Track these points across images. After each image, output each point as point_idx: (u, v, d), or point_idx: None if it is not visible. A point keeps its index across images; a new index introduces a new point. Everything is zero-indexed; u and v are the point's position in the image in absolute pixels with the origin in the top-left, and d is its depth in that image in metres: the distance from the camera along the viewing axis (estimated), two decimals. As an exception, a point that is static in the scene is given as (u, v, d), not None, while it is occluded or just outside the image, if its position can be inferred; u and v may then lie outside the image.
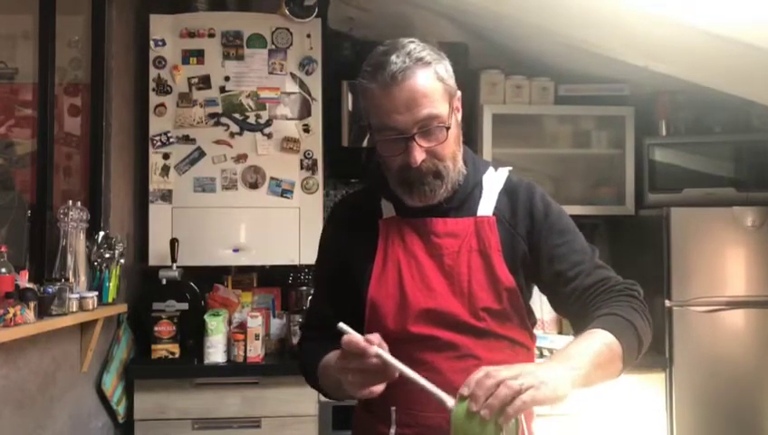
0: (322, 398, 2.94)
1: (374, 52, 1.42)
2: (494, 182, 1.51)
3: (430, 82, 1.36)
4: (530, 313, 1.50)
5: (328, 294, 1.56)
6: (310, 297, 2.82)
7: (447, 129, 1.38)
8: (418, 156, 1.36)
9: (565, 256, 1.44)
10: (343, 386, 1.29)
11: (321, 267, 1.61)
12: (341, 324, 1.24)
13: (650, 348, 3.30)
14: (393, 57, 1.36)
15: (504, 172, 1.53)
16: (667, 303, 3.10)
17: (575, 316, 1.43)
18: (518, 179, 1.53)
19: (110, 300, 2.78)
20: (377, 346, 1.20)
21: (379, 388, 1.23)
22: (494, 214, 1.47)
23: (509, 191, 1.50)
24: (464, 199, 1.47)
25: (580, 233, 1.49)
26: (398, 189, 1.43)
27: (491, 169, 1.53)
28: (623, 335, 1.26)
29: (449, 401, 1.15)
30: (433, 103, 1.36)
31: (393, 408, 1.43)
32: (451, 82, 1.41)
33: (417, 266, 1.45)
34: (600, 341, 1.23)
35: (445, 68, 1.40)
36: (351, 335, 1.21)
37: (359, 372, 1.22)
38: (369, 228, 1.50)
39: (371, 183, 1.57)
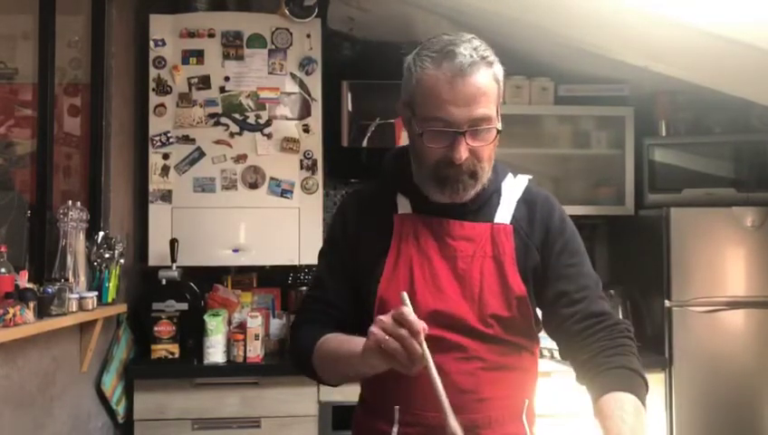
0: (322, 398, 2.95)
1: (437, 39, 1.39)
2: (512, 190, 1.51)
3: (490, 81, 1.36)
4: (536, 319, 1.50)
5: (335, 281, 1.51)
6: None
7: (498, 131, 1.38)
8: (464, 153, 1.35)
9: (573, 278, 1.45)
10: (361, 349, 1.25)
11: (331, 254, 1.55)
12: (404, 294, 1.23)
13: (650, 349, 3.30)
14: (462, 49, 1.34)
15: (523, 180, 1.53)
16: (667, 303, 3.10)
17: (569, 338, 1.42)
18: (537, 190, 1.53)
19: (109, 300, 2.78)
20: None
21: (384, 367, 1.22)
22: (511, 223, 1.47)
23: (527, 201, 1.50)
24: (482, 204, 1.47)
25: (588, 257, 1.51)
26: (429, 183, 1.42)
27: (510, 175, 1.53)
28: (644, 397, 1.32)
29: (453, 422, 1.18)
30: (488, 104, 1.36)
31: (396, 407, 1.42)
32: (502, 85, 1.41)
33: (429, 267, 1.43)
34: (642, 418, 1.28)
35: (500, 71, 1.40)
36: (411, 313, 1.19)
37: (397, 341, 1.18)
38: (382, 222, 1.48)
39: (387, 177, 1.54)
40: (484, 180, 1.43)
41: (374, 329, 1.21)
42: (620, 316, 3.12)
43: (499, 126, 1.39)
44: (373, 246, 1.47)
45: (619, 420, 1.24)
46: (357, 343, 1.30)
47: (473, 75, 1.33)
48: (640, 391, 1.31)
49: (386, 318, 1.20)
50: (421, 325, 1.18)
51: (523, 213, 1.48)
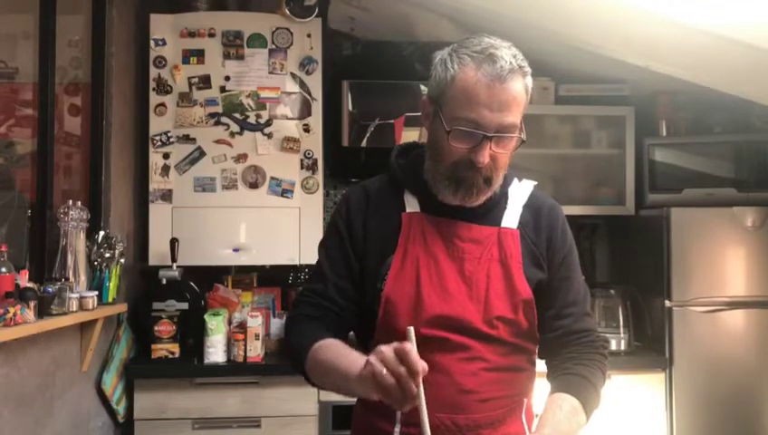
0: (322, 397, 2.95)
1: (476, 39, 1.39)
2: (518, 195, 1.52)
3: (522, 91, 1.37)
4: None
5: (336, 274, 1.49)
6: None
7: (522, 141, 1.39)
8: (487, 157, 1.36)
9: (564, 293, 1.50)
10: (357, 372, 1.23)
11: (332, 247, 1.52)
12: (411, 329, 1.19)
13: (650, 348, 3.31)
14: (503, 53, 1.35)
15: (528, 186, 1.54)
16: (667, 303, 3.10)
17: (547, 344, 1.51)
18: (543, 198, 1.55)
19: (110, 300, 2.78)
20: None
21: (377, 397, 1.20)
22: (517, 228, 1.48)
23: (533, 208, 1.51)
24: (489, 208, 1.47)
25: (580, 269, 1.56)
26: (444, 182, 1.41)
27: (515, 180, 1.54)
28: (592, 406, 1.43)
29: None
30: (517, 113, 1.37)
31: None
32: (529, 96, 1.41)
33: (435, 268, 1.43)
34: (578, 422, 1.39)
35: (530, 82, 1.40)
36: (414, 351, 1.16)
37: (394, 377, 1.15)
38: (389, 220, 1.48)
39: (394, 173, 1.53)
40: (495, 187, 1.43)
41: (373, 360, 1.18)
42: (621, 317, 3.17)
43: (523, 136, 1.39)
44: (379, 244, 1.47)
45: (550, 413, 1.35)
46: (354, 360, 1.28)
47: (510, 82, 1.34)
48: (588, 398, 1.41)
49: (387, 351, 1.17)
50: (421, 366, 1.14)
51: (528, 219, 1.50)
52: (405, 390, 1.14)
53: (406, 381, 1.14)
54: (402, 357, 1.15)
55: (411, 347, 1.15)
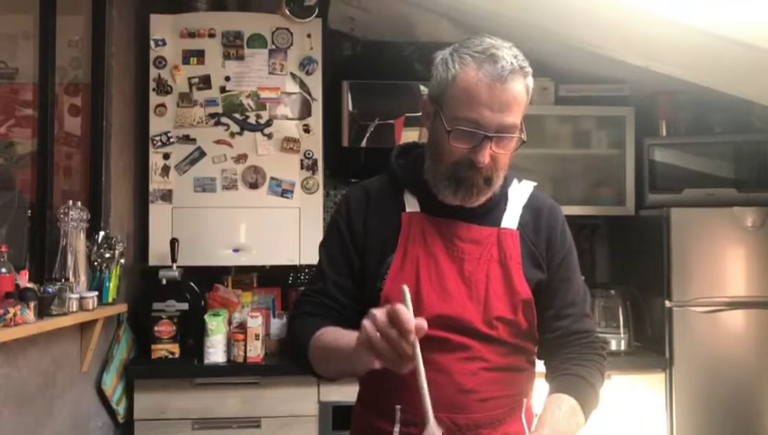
0: (322, 398, 2.95)
1: (478, 39, 1.39)
2: (518, 196, 1.52)
3: (523, 91, 1.37)
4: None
5: (336, 273, 1.50)
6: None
7: (522, 142, 1.39)
8: (488, 157, 1.36)
9: (563, 294, 1.51)
10: (354, 344, 1.21)
11: (333, 246, 1.53)
12: (405, 288, 1.18)
13: (650, 349, 3.30)
14: (504, 54, 1.35)
15: (528, 187, 1.54)
16: (667, 303, 3.10)
17: (546, 344, 1.51)
18: (542, 199, 1.55)
19: (110, 300, 2.78)
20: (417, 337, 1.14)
21: (378, 364, 1.18)
22: (517, 229, 1.48)
23: (532, 209, 1.51)
24: (489, 209, 1.47)
25: (579, 270, 1.57)
26: (444, 182, 1.41)
27: (515, 180, 1.54)
28: (591, 407, 1.44)
29: (433, 425, 1.16)
30: (518, 113, 1.37)
31: (398, 407, 1.42)
32: (529, 97, 1.41)
33: (435, 268, 1.43)
34: (577, 422, 1.39)
35: (531, 82, 1.41)
36: (408, 311, 1.13)
37: (386, 341, 1.14)
38: (389, 220, 1.48)
39: (394, 173, 1.53)
40: (495, 187, 1.44)
41: (366, 324, 1.17)
42: (621, 317, 3.17)
43: (524, 136, 1.39)
44: (379, 244, 1.47)
45: (549, 413, 1.36)
46: (352, 337, 1.27)
47: (511, 82, 1.34)
48: (586, 399, 1.41)
49: (379, 314, 1.15)
50: (413, 324, 1.12)
51: (528, 220, 1.50)
52: (398, 352, 1.13)
53: (398, 344, 1.13)
54: (393, 318, 1.13)
55: (403, 307, 1.14)
